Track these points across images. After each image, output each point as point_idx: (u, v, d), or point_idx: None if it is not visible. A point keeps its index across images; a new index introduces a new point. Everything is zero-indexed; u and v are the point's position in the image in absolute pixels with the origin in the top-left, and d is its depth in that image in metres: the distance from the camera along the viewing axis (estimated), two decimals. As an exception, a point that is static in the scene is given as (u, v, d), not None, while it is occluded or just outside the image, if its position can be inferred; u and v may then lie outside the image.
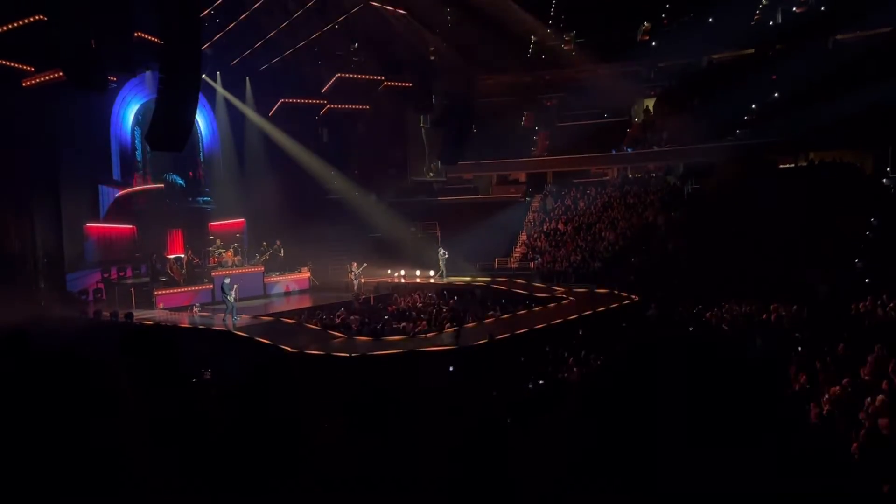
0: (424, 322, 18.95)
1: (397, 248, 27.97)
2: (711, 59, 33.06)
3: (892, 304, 15.54)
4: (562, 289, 23.84)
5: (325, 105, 29.93)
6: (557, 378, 12.79)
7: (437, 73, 28.59)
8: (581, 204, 30.23)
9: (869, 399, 8.31)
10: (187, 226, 26.00)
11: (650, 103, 34.18)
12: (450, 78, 28.21)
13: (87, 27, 16.74)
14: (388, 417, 8.24)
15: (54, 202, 22.57)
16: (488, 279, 25.90)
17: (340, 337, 17.78)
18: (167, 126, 16.98)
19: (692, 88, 31.69)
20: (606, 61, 33.06)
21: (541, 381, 12.39)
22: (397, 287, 25.40)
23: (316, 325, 19.40)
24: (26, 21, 19.54)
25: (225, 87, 27.42)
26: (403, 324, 18.97)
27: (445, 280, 25.92)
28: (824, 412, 8.65)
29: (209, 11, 23.53)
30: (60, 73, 19.32)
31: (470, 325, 18.33)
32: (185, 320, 20.13)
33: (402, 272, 27.18)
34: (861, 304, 16.06)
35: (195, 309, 21.70)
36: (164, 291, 22.50)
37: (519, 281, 25.33)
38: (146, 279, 23.51)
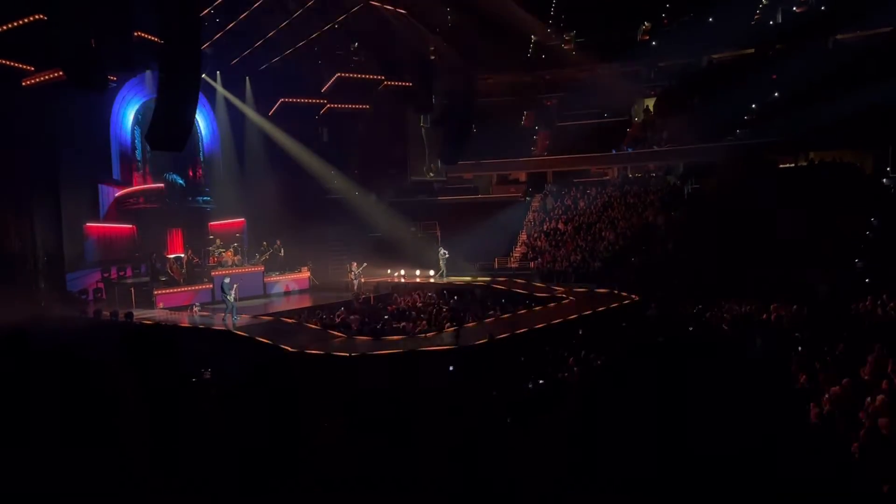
0: (424, 322, 18.95)
1: (397, 248, 27.98)
2: (711, 59, 33.08)
3: (892, 304, 15.55)
4: (562, 289, 23.85)
5: (325, 105, 29.93)
6: (557, 378, 12.79)
7: (437, 73, 28.60)
8: (581, 204, 30.24)
9: (869, 399, 8.31)
10: (187, 225, 25.99)
11: (650, 103, 34.19)
12: (450, 77, 28.22)
13: (86, 27, 16.73)
14: (388, 417, 8.25)
15: (54, 202, 22.58)
16: (488, 279, 25.90)
17: (340, 336, 17.78)
18: (167, 126, 16.97)
19: (692, 88, 31.71)
20: (606, 61, 33.09)
21: (541, 381, 12.39)
22: (397, 287, 25.40)
23: (316, 325, 19.40)
24: (26, 20, 19.55)
25: (225, 86, 27.41)
26: (403, 323, 18.96)
27: (445, 280, 25.92)
28: (824, 412, 8.65)
29: (209, 11, 23.53)
30: (60, 73, 19.32)
31: (470, 324, 18.33)
32: (184, 320, 20.13)
33: (402, 272, 27.18)
34: (861, 304, 16.06)
35: (195, 308, 21.70)
36: (163, 291, 22.50)
37: (519, 281, 25.34)
38: (146, 279, 23.51)
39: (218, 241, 25.12)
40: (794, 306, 16.68)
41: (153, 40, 20.51)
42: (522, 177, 35.16)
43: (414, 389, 12.13)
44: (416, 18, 26.61)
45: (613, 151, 32.57)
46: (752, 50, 31.72)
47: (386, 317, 20.16)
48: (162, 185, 25.23)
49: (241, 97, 27.92)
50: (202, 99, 24.50)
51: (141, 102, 25.01)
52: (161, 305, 21.98)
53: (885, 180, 26.33)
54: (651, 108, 33.96)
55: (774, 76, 29.57)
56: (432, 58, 28.82)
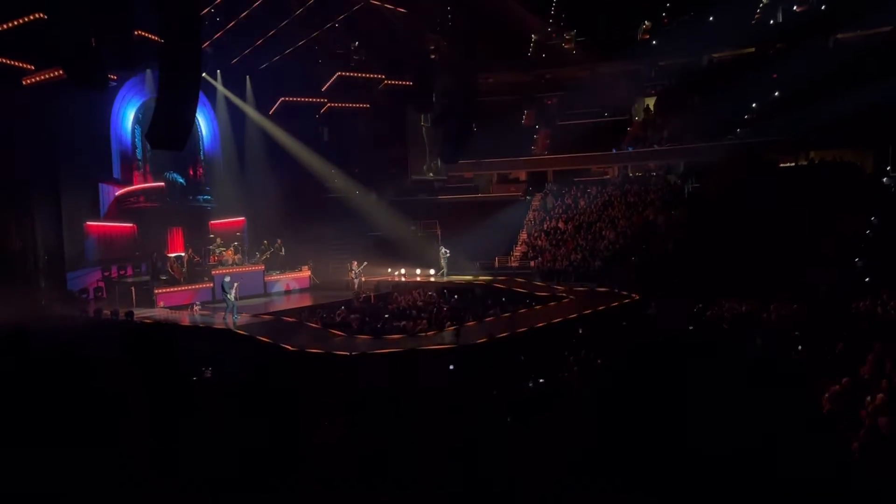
0: (425, 321, 18.96)
1: (398, 247, 27.98)
2: (712, 58, 33.05)
3: (892, 304, 15.55)
4: (562, 288, 23.86)
5: (326, 103, 29.94)
6: (557, 377, 12.80)
7: (438, 72, 28.59)
8: (581, 203, 30.23)
9: (869, 398, 8.31)
10: (188, 224, 26.01)
11: (651, 102, 34.18)
12: (450, 76, 28.20)
13: (87, 26, 16.72)
14: (388, 416, 8.25)
15: (54, 201, 22.60)
16: (489, 278, 25.92)
17: (341, 335, 17.79)
18: (167, 125, 16.95)
19: (693, 87, 31.70)
20: (607, 60, 33.08)
21: (541, 381, 12.40)
22: (398, 286, 25.40)
23: (316, 324, 19.41)
24: (26, 19, 19.57)
25: (225, 85, 27.42)
26: (404, 322, 18.98)
27: (446, 279, 25.93)
28: (825, 411, 8.66)
29: (209, 10, 23.54)
30: (60, 72, 19.33)
31: (470, 323, 18.34)
32: (185, 319, 20.14)
33: (403, 271, 27.18)
34: (861, 303, 16.06)
35: (195, 307, 21.72)
36: (164, 290, 22.50)
37: (519, 280, 25.36)
38: (146, 278, 23.53)
39: (218, 239, 25.13)
40: (795, 305, 16.69)
41: (153, 39, 20.52)
42: (523, 176, 35.15)
43: (414, 388, 12.13)
44: (417, 17, 26.60)
45: (614, 150, 32.54)
46: (753, 49, 31.70)
47: (386, 316, 20.17)
48: (162, 183, 25.23)
49: (242, 96, 27.93)
50: (202, 98, 24.50)
51: (141, 101, 25.02)
52: (161, 304, 21.99)
53: (885, 179, 26.31)
54: (651, 108, 33.95)
55: (775, 75, 29.54)
56: (433, 57, 28.81)
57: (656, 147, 31.44)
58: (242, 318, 19.53)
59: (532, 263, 27.32)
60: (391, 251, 27.54)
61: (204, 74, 23.49)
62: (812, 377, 10.07)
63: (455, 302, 22.07)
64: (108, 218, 24.20)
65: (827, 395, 9.00)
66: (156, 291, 22.29)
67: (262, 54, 27.21)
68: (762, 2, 31.75)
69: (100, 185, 24.07)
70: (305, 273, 25.86)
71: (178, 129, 16.84)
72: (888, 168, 26.96)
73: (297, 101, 29.26)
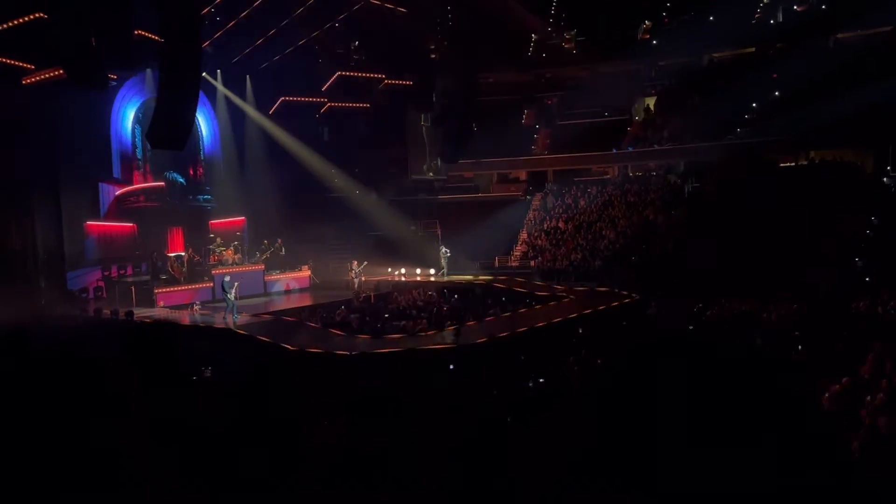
0: (425, 320, 18.95)
1: (398, 247, 27.96)
2: (712, 58, 33.03)
3: (892, 304, 15.54)
4: (562, 287, 23.84)
5: (326, 103, 29.92)
6: (558, 377, 12.79)
7: (438, 72, 28.57)
8: (582, 202, 30.22)
9: (869, 397, 8.31)
10: (188, 224, 26.01)
11: (651, 102, 34.16)
12: (450, 76, 28.19)
13: (87, 25, 16.71)
14: (388, 416, 8.24)
15: (54, 200, 22.58)
16: (489, 278, 25.90)
17: (341, 335, 17.78)
18: (167, 124, 16.94)
19: (693, 87, 31.67)
20: (607, 59, 33.04)
21: (541, 380, 12.39)
22: (398, 285, 25.40)
23: (316, 324, 19.41)
24: (27, 19, 19.57)
25: (225, 85, 27.41)
26: (404, 322, 18.97)
27: (446, 278, 25.91)
28: (825, 411, 8.66)
29: (210, 9, 23.52)
30: (60, 71, 19.31)
31: (470, 323, 18.33)
32: (185, 318, 20.14)
33: (403, 270, 27.17)
34: (861, 303, 16.06)
35: (195, 307, 21.71)
36: (164, 290, 22.50)
37: (519, 279, 25.34)
38: (147, 277, 23.53)
39: (218, 239, 25.12)
40: (794, 306, 16.69)
41: (154, 39, 20.49)
42: (523, 175, 35.13)
43: (414, 388, 12.12)
44: (417, 16, 26.58)
45: (614, 150, 32.54)
46: (753, 49, 31.68)
47: (386, 315, 20.17)
48: (162, 183, 25.24)
49: (242, 96, 27.92)
50: (202, 98, 24.48)
51: (141, 101, 25.00)
52: (161, 304, 21.98)
53: (885, 179, 26.31)
54: (652, 107, 33.93)
55: (775, 75, 29.52)
56: (433, 56, 28.78)
57: (656, 147, 31.43)
58: (242, 318, 19.53)
59: (532, 263, 27.31)
60: (391, 251, 27.52)
61: (204, 74, 23.47)
62: (812, 377, 10.06)
63: (455, 302, 22.06)
64: (108, 217, 24.19)
65: (827, 395, 9.00)
66: (156, 291, 22.28)
67: (263, 54, 27.19)
68: (762, 2, 31.72)
69: (100, 184, 24.06)
70: (305, 273, 25.85)
71: (178, 128, 16.83)
72: (888, 168, 26.95)
73: (297, 100, 29.24)
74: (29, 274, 21.94)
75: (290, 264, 25.85)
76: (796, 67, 27.18)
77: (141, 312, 20.11)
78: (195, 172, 27.30)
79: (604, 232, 27.44)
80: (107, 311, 19.83)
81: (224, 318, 19.34)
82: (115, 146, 24.45)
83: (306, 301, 23.34)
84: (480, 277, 25.95)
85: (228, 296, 19.36)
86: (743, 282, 19.59)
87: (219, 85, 27.18)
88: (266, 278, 24.73)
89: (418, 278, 26.74)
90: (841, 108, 24.16)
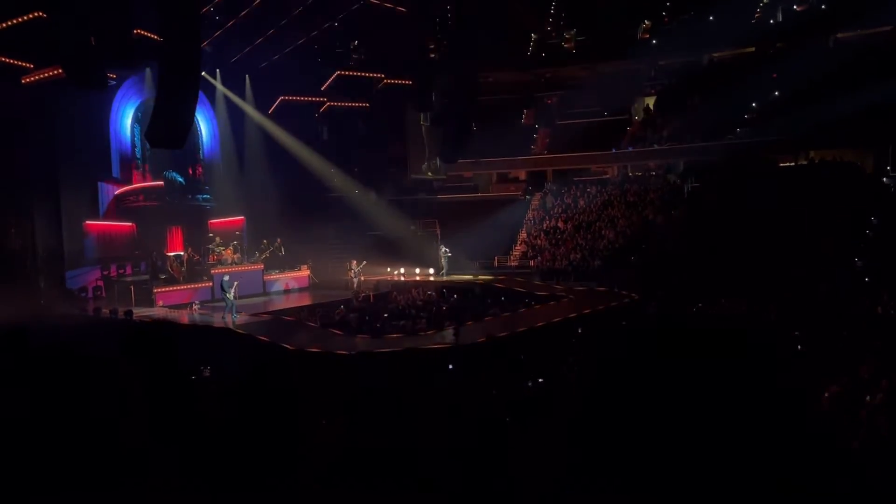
0: (424, 320, 18.94)
1: (397, 246, 27.97)
2: (712, 58, 33.02)
3: (892, 304, 15.54)
4: (561, 287, 23.84)
5: (325, 102, 29.91)
6: (557, 377, 12.79)
7: (438, 71, 28.55)
8: (581, 202, 30.20)
9: (869, 397, 8.31)
10: (187, 223, 26.01)
11: (650, 101, 34.14)
12: (450, 76, 28.17)
13: (86, 24, 16.70)
14: (387, 416, 8.24)
15: (54, 199, 22.60)
16: (488, 277, 25.90)
17: (340, 335, 17.77)
18: (167, 123, 16.91)
19: (693, 87, 31.67)
20: (607, 59, 33.04)
21: (540, 380, 12.39)
22: (397, 285, 25.38)
23: (315, 323, 19.40)
24: (26, 18, 19.58)
25: (225, 84, 27.38)
26: (403, 322, 18.96)
27: (445, 278, 25.91)
28: (825, 410, 8.65)
29: (209, 8, 23.51)
30: (60, 70, 19.31)
31: (469, 323, 18.32)
32: (184, 318, 20.13)
33: (402, 270, 27.16)
34: (861, 303, 16.05)
35: (195, 306, 21.70)
36: (163, 289, 22.49)
37: (519, 279, 25.33)
38: (146, 277, 23.53)
39: (218, 239, 25.11)
40: (795, 305, 16.68)
41: (153, 38, 20.49)
42: (522, 175, 35.13)
43: (413, 388, 12.12)
44: (416, 16, 26.57)
45: (613, 150, 32.52)
46: (753, 48, 31.67)
47: (385, 315, 20.15)
48: (161, 182, 25.25)
49: (241, 95, 27.90)
50: (202, 97, 24.47)
51: (140, 100, 25.00)
52: (161, 303, 21.98)
53: (885, 179, 26.31)
54: (651, 107, 33.92)
55: (775, 75, 29.53)
56: (432, 56, 28.76)
57: (656, 146, 31.43)
58: (241, 318, 19.52)
59: (531, 263, 27.30)
60: (390, 250, 27.52)
61: (203, 73, 23.46)
62: (812, 377, 10.07)
63: (454, 301, 22.05)
64: (107, 217, 24.19)
65: (827, 395, 9.00)
66: (155, 290, 22.27)
67: (262, 53, 27.18)
68: (762, 1, 31.74)
69: (99, 184, 24.06)
70: (305, 272, 25.84)
71: (178, 127, 16.80)
72: (888, 168, 26.95)
73: (296, 100, 29.24)
74: (28, 273, 21.95)
75: (290, 264, 25.84)
76: (796, 67, 27.19)
77: (140, 312, 20.10)
78: (194, 172, 27.28)
79: (603, 232, 27.43)
80: (106, 311, 19.82)
81: (223, 317, 19.33)
82: (114, 145, 24.44)
83: (305, 301, 23.32)
84: (480, 277, 25.94)
85: (227, 295, 19.36)
86: (743, 282, 19.58)
87: (218, 84, 27.16)
88: (265, 278, 24.72)
89: (417, 278, 26.73)
90: (841, 108, 24.17)
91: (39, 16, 19.18)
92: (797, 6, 30.90)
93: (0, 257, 21.52)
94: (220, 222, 27.04)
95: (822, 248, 21.35)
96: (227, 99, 27.58)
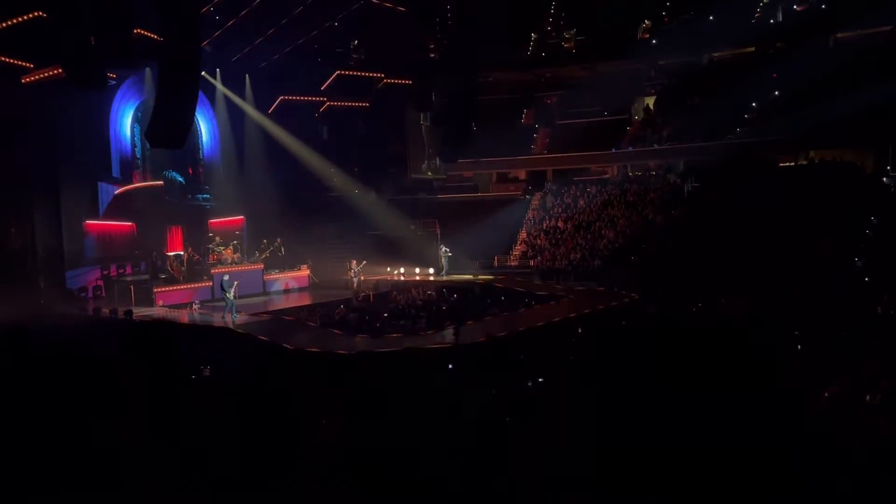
0: (424, 320, 18.94)
1: (397, 246, 27.98)
2: (712, 57, 33.01)
3: (892, 304, 15.54)
4: (561, 287, 23.84)
5: (325, 102, 29.91)
6: (557, 376, 12.79)
7: (438, 71, 28.55)
8: (581, 202, 30.20)
9: (869, 397, 8.31)
10: (187, 223, 26.02)
11: (650, 101, 34.12)
12: (450, 76, 28.17)
13: (86, 24, 16.70)
14: (387, 416, 8.23)
15: (54, 199, 22.62)
16: (488, 277, 25.90)
17: (340, 334, 17.77)
18: (166, 123, 16.92)
19: (693, 86, 31.66)
20: (607, 59, 33.04)
21: (540, 380, 12.39)
22: (397, 285, 25.39)
23: (315, 323, 19.40)
24: (26, 17, 19.59)
25: (225, 84, 27.39)
26: (403, 321, 18.96)
27: (445, 278, 25.92)
28: (825, 410, 8.65)
29: (209, 8, 23.51)
30: (60, 70, 19.32)
31: (469, 323, 18.31)
32: (184, 317, 20.13)
33: (402, 270, 27.16)
34: (861, 303, 16.05)
35: (194, 306, 21.70)
36: (163, 289, 22.49)
37: (519, 279, 25.34)
38: (146, 276, 23.54)
39: (217, 238, 25.12)
40: (793, 305, 16.68)
41: (153, 38, 20.49)
42: (522, 175, 35.12)
43: (413, 388, 12.12)
44: (416, 15, 26.58)
45: (613, 150, 32.51)
46: (753, 48, 31.66)
47: (385, 315, 20.15)
48: (161, 182, 25.27)
49: (241, 95, 27.91)
50: (202, 97, 24.48)
51: (140, 100, 25.01)
52: (160, 303, 21.98)
53: (885, 179, 26.30)
54: (651, 107, 33.90)
55: (775, 75, 29.52)
56: (432, 56, 28.76)
57: (656, 146, 31.42)
58: (241, 317, 19.53)
59: (531, 263, 27.30)
60: (390, 250, 27.54)
61: (203, 73, 23.45)
62: (812, 377, 10.07)
63: (454, 301, 22.05)
64: (107, 216, 24.19)
65: (827, 395, 9.00)
66: (155, 290, 22.28)
67: (262, 53, 27.19)
68: (762, 1, 31.74)
69: (99, 183, 24.07)
70: (304, 272, 25.84)
71: (178, 127, 16.80)
72: (888, 168, 26.95)
73: (296, 99, 29.24)
74: (28, 273, 21.98)
75: (290, 263, 25.85)
76: (796, 67, 27.20)
77: (140, 311, 20.11)
78: (194, 171, 27.30)
79: (603, 231, 27.43)
80: (106, 311, 19.83)
81: (223, 317, 19.34)
82: (114, 145, 24.45)
83: (305, 300, 23.32)
84: (480, 277, 25.95)
85: (227, 295, 19.36)
86: (743, 282, 19.58)
87: (218, 84, 27.17)
88: (265, 277, 24.72)
89: (417, 278, 26.73)
90: (841, 108, 24.17)
91: (39, 16, 19.19)
92: (797, 6, 30.91)
93: (0, 257, 21.52)
94: (220, 222, 27.04)
95: (822, 248, 21.34)
96: (227, 99, 27.59)
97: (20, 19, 19.60)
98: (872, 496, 5.53)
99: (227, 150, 28.07)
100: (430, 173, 34.84)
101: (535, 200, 31.96)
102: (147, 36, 20.86)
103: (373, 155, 32.02)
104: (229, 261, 24.20)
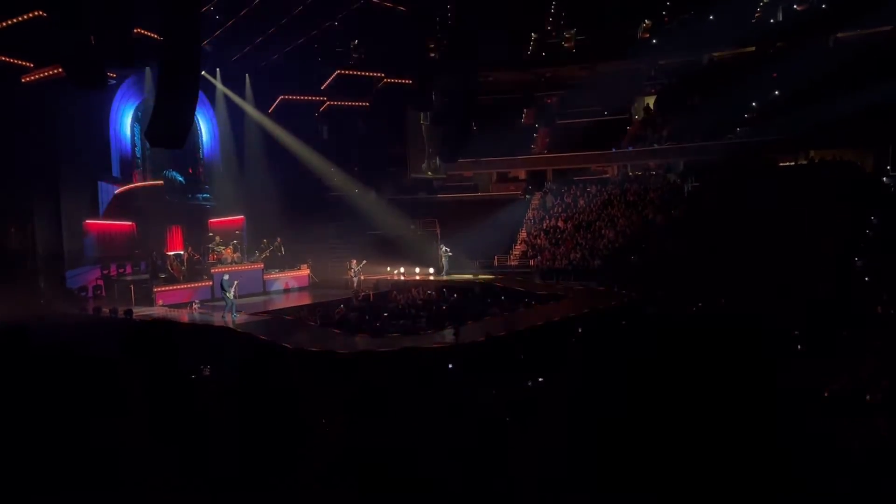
0: (424, 320, 18.94)
1: (397, 246, 27.97)
2: (712, 57, 33.02)
3: (892, 304, 15.54)
4: (561, 287, 23.84)
5: (325, 102, 29.91)
6: (557, 376, 12.79)
7: (438, 71, 28.55)
8: (581, 202, 30.21)
9: (869, 397, 8.31)
10: (187, 223, 26.00)
11: (651, 101, 34.14)
12: (450, 75, 28.17)
13: (86, 23, 16.70)
14: (387, 415, 8.24)
15: (54, 199, 22.63)
16: (488, 277, 25.91)
17: (340, 334, 17.77)
18: (166, 123, 16.91)
19: (693, 86, 31.68)
20: (607, 59, 33.04)
21: (540, 380, 12.39)
22: (397, 284, 25.39)
23: (315, 323, 19.39)
24: (26, 17, 19.59)
25: (225, 83, 27.39)
26: (403, 321, 18.96)
27: (445, 277, 25.92)
28: (824, 410, 8.65)
29: (209, 7, 23.51)
30: (60, 70, 19.33)
31: (469, 322, 18.31)
32: (184, 317, 20.13)
33: (402, 269, 27.17)
34: (861, 303, 16.05)
35: (194, 306, 21.70)
36: (163, 288, 22.48)
37: (519, 279, 25.35)
38: (146, 276, 23.53)
39: (218, 238, 25.11)
40: (795, 305, 16.68)
41: (153, 37, 20.49)
42: (522, 175, 35.14)
43: (413, 388, 12.12)
44: (416, 15, 26.58)
45: (613, 149, 32.52)
46: (753, 48, 31.68)
47: (385, 314, 20.15)
48: (161, 182, 25.26)
49: (241, 94, 27.91)
50: (202, 96, 24.47)
51: (140, 100, 25.01)
52: (160, 303, 21.97)
53: (885, 179, 26.32)
54: (651, 106, 33.92)
55: (775, 74, 29.55)
56: (432, 55, 28.76)
57: (656, 146, 31.43)
58: (241, 317, 19.52)
59: (531, 262, 27.31)
60: (390, 250, 27.53)
61: (203, 73, 23.45)
62: (812, 377, 10.07)
63: (454, 301, 22.04)
64: (107, 216, 24.19)
65: (827, 395, 9.00)
66: (155, 290, 22.27)
67: (262, 52, 27.19)
68: (762, 1, 31.74)
69: (99, 183, 24.06)
70: (304, 271, 25.83)
71: (178, 127, 16.80)
72: (888, 168, 26.96)
73: (296, 99, 29.24)
74: (28, 273, 22.00)
75: (290, 263, 25.84)
76: (796, 67, 27.22)
77: (140, 311, 20.10)
78: (194, 171, 27.29)
79: (603, 231, 27.44)
80: (106, 310, 19.83)
81: (223, 316, 19.33)
82: (114, 145, 24.44)
83: (305, 300, 23.31)
84: (480, 277, 25.94)
85: (227, 294, 19.36)
86: (743, 282, 19.58)
87: (218, 83, 27.16)
88: (265, 277, 24.72)
89: (417, 277, 26.74)
90: (841, 108, 24.19)
91: (39, 15, 19.19)
92: (797, 6, 30.93)
93: (0, 257, 21.52)
94: (220, 221, 27.03)
95: (822, 248, 21.34)
96: (227, 98, 27.58)
97: (20, 19, 19.60)
98: (872, 496, 5.53)
99: (226, 150, 28.07)
100: (430, 173, 34.85)
101: (535, 200, 31.97)
102: (147, 36, 20.85)
103: (373, 154, 32.03)
104: (229, 260, 24.20)
